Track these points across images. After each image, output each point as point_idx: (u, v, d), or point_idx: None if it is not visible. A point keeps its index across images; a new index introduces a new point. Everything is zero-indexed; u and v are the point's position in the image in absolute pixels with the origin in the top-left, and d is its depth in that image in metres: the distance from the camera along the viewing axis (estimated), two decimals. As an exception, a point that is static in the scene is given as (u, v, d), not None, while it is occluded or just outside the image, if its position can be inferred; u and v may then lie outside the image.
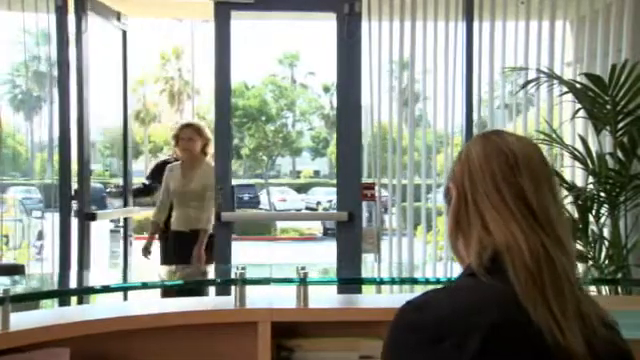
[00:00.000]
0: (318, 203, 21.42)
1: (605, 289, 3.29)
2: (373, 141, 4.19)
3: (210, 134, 4.46)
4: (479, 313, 0.96)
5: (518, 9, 4.15)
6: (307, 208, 22.58)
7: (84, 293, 1.80)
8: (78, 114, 3.86)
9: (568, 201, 3.54)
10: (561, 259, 1.01)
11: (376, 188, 4.13)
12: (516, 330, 0.96)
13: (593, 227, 3.47)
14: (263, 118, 24.79)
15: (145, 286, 1.65)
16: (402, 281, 1.85)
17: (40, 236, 5.01)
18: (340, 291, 2.99)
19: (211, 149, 4.41)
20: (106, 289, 1.61)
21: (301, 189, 25.74)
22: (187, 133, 4.53)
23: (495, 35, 4.12)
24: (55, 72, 3.85)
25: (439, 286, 1.12)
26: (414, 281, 1.77)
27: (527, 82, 3.72)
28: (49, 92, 3.94)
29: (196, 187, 4.44)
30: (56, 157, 3.88)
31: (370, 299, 1.96)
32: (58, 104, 3.86)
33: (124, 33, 4.54)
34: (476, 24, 4.10)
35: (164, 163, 5.04)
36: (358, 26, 4.02)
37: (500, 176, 1.07)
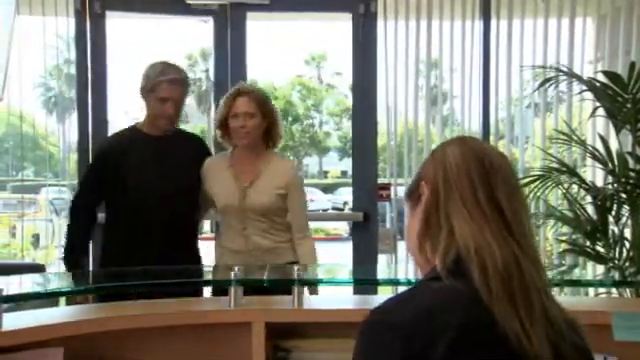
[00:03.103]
0: (345, 203, 21.37)
1: (627, 291, 3.23)
2: (390, 141, 4.18)
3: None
4: (447, 314, 0.97)
5: (537, 7, 4.10)
6: (334, 208, 22.54)
7: (70, 294, 1.83)
8: (93, 116, 3.92)
9: (587, 201, 3.49)
10: (530, 269, 1.02)
11: (392, 189, 4.12)
12: (483, 331, 0.97)
13: (613, 228, 3.41)
14: (290, 118, 24.86)
15: (132, 287, 1.66)
16: (398, 282, 1.84)
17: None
18: (356, 292, 3.01)
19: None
20: (97, 290, 1.63)
21: (328, 189, 25.72)
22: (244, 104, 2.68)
23: (513, 34, 4.07)
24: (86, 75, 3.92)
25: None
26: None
27: (545, 80, 3.66)
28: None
29: (263, 199, 2.67)
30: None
31: (374, 299, 1.94)
32: (77, 105, 3.95)
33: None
34: (493, 22, 4.06)
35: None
36: (374, 26, 4.01)
37: (477, 180, 1.07)
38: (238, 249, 2.65)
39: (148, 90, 2.75)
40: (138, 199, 2.68)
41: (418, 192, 1.13)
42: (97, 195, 2.79)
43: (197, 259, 2.84)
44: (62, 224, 5.66)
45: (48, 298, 1.73)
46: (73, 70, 4.00)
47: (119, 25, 4.28)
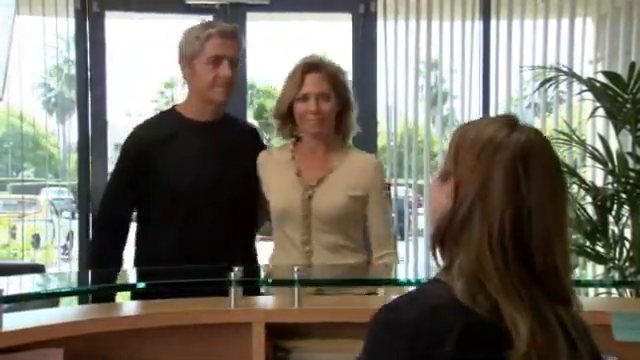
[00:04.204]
0: (345, 203, 21.43)
1: (627, 291, 3.23)
2: (390, 141, 4.18)
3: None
4: (451, 313, 0.98)
5: (537, 7, 4.10)
6: (334, 208, 22.57)
7: (70, 294, 1.84)
8: (93, 116, 3.92)
9: (587, 201, 3.49)
10: (560, 314, 1.01)
11: (392, 189, 4.11)
12: (488, 330, 0.97)
13: (613, 228, 3.41)
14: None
15: (135, 287, 1.67)
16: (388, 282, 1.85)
17: (69, 237, 5.12)
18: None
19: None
20: (102, 289, 1.64)
21: (328, 189, 25.68)
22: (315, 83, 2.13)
23: (513, 34, 4.07)
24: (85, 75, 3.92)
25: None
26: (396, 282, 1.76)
27: (545, 80, 3.66)
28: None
29: (333, 201, 2.11)
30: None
31: (374, 300, 1.94)
32: (77, 106, 3.95)
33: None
34: (493, 22, 4.07)
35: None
36: (374, 26, 4.02)
37: (509, 230, 0.99)
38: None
39: (192, 55, 2.14)
40: (189, 199, 2.17)
41: (446, 176, 1.07)
42: (130, 202, 2.23)
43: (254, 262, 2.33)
44: (62, 224, 5.67)
45: (48, 298, 1.73)
46: (73, 70, 4.01)
47: (119, 25, 4.29)
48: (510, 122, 1.07)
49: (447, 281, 1.02)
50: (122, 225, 2.25)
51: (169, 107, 2.35)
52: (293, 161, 2.16)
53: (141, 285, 1.76)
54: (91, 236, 2.35)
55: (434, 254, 1.08)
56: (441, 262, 1.07)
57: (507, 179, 1.00)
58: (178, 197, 2.17)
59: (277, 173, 2.16)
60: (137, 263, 2.27)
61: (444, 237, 1.06)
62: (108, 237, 2.22)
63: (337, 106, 2.13)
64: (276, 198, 2.13)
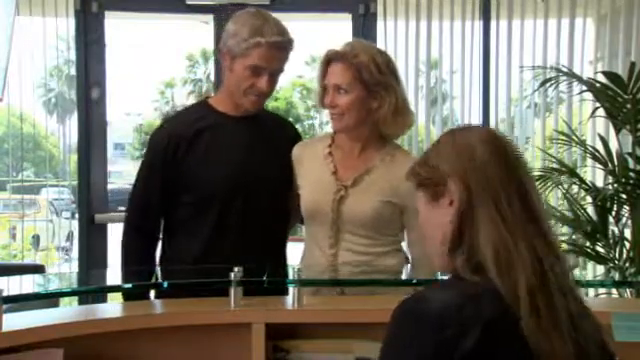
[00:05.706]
0: (345, 204, 21.45)
1: (627, 292, 3.23)
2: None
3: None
4: (479, 307, 1.00)
5: (537, 7, 4.10)
6: (334, 209, 22.58)
7: (70, 294, 1.84)
8: (92, 116, 3.93)
9: (587, 202, 3.49)
10: (556, 269, 1.06)
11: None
12: (510, 325, 1.00)
13: (613, 228, 3.41)
14: (291, 119, 24.92)
15: (135, 288, 1.67)
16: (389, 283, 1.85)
17: (69, 237, 5.12)
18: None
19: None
20: (102, 290, 1.64)
21: (328, 190, 25.70)
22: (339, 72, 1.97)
23: (513, 34, 4.08)
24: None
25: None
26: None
27: (545, 81, 3.66)
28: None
29: (365, 206, 1.96)
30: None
31: (374, 300, 1.94)
32: (77, 106, 3.96)
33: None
34: (493, 23, 4.07)
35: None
36: (374, 26, 4.02)
37: (506, 182, 1.08)
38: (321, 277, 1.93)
39: (235, 53, 2.00)
40: (218, 195, 2.06)
41: (441, 186, 1.12)
42: (162, 207, 2.12)
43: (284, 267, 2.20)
44: (62, 225, 5.68)
45: (48, 298, 1.73)
46: (73, 70, 4.01)
47: (119, 25, 4.30)
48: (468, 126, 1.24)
49: (469, 278, 1.04)
50: (155, 225, 2.16)
51: (201, 100, 2.28)
52: (330, 157, 2.00)
53: (165, 285, 1.75)
54: (124, 236, 2.15)
55: (440, 264, 1.14)
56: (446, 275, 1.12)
57: (488, 147, 1.10)
58: (207, 193, 2.07)
59: (312, 169, 2.02)
60: (161, 262, 2.19)
61: (454, 244, 1.10)
62: (143, 239, 2.14)
63: (372, 102, 1.92)
64: (307, 195, 2.00)
